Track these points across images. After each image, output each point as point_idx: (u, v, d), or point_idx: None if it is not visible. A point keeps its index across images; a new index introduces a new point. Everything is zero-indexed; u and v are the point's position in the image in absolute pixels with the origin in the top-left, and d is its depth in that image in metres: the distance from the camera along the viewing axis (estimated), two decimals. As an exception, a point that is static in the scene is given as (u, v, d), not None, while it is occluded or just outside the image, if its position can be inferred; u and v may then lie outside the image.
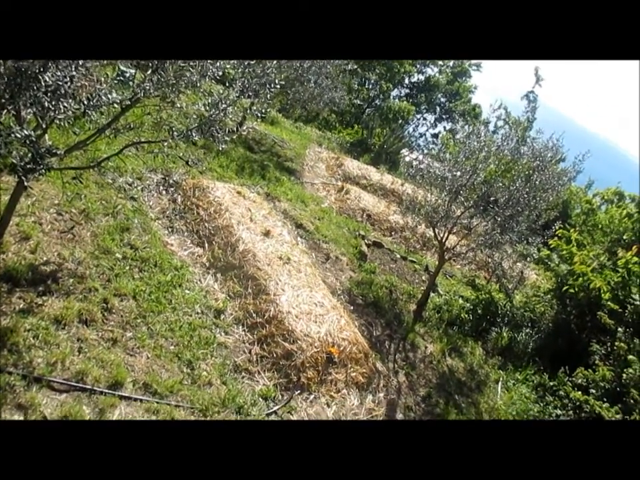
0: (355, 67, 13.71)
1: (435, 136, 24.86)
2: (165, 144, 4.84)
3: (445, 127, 24.91)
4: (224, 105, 4.16)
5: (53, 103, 3.72)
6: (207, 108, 4.27)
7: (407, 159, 19.44)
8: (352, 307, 8.17)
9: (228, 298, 6.73)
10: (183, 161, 8.31)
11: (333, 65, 12.28)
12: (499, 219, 8.23)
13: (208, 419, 5.06)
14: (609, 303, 8.03)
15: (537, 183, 7.98)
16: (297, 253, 7.97)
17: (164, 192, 8.09)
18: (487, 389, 7.98)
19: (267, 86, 4.49)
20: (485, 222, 8.51)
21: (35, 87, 3.63)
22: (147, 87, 4.13)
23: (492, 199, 8.16)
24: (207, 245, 7.42)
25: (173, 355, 5.58)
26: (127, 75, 8.70)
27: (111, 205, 7.04)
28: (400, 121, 22.54)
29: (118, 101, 4.05)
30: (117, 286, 5.87)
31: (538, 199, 8.22)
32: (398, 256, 10.97)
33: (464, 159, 8.64)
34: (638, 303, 7.86)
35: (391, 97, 23.45)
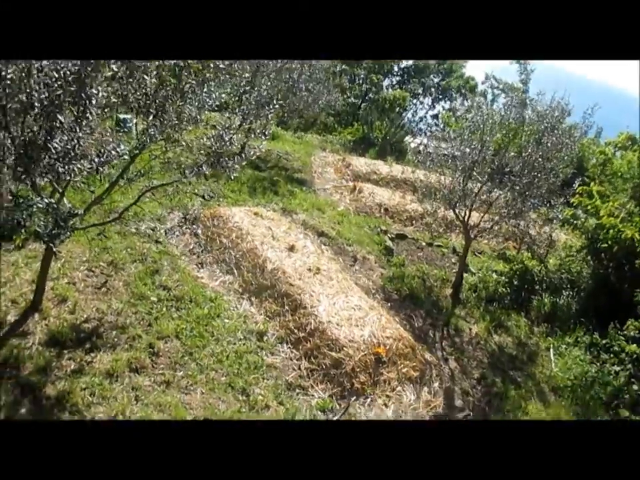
0: (344, 66, 13.72)
1: (435, 117, 24.66)
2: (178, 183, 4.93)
3: (443, 107, 24.71)
4: (229, 135, 4.22)
5: (67, 167, 3.82)
6: (213, 141, 4.34)
7: (412, 145, 19.41)
8: (389, 304, 8.17)
9: (267, 319, 6.79)
10: (198, 196, 8.42)
11: (322, 69, 12.31)
12: (517, 188, 8.15)
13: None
14: (645, 249, 7.89)
15: (549, 144, 7.89)
16: (324, 262, 8.00)
17: (185, 228, 8.21)
18: (540, 358, 7.89)
19: (266, 107, 4.55)
20: (503, 193, 8.43)
21: (47, 156, 3.72)
22: (152, 133, 4.22)
23: (507, 169, 8.09)
24: (235, 271, 7.50)
25: (226, 385, 5.64)
26: (127, 123, 8.88)
27: (136, 251, 7.17)
28: (397, 110, 22.47)
29: (127, 152, 4.14)
30: (158, 329, 5.97)
31: (553, 160, 8.14)
32: (423, 243, 10.93)
33: (470, 135, 8.59)
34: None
35: (384, 88, 23.37)
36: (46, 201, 3.87)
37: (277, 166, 12.80)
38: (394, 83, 24.72)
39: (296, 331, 6.58)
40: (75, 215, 4.56)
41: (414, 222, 12.10)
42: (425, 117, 24.89)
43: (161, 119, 4.34)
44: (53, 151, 3.64)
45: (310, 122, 19.87)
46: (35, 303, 5.59)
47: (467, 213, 8.64)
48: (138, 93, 4.47)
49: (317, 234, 9.48)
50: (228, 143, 4.32)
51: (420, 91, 24.55)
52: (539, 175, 8.06)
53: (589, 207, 8.90)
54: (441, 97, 25.14)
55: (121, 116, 9.33)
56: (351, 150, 16.52)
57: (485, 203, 8.67)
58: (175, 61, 4.52)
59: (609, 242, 8.40)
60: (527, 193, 8.07)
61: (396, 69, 24.58)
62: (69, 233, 4.61)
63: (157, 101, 4.37)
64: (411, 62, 24.52)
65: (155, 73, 4.25)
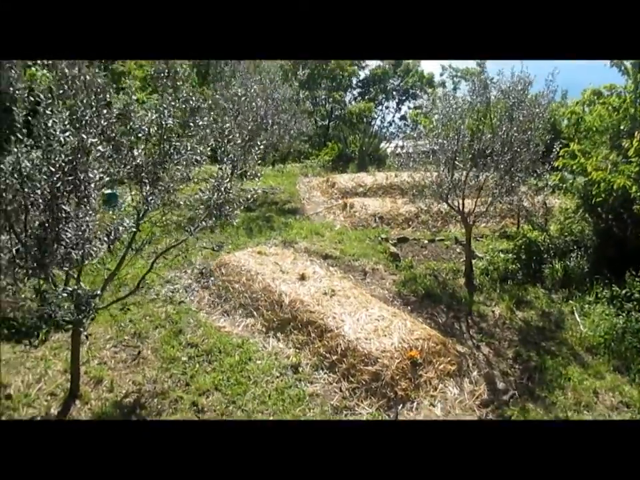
0: (306, 92, 14.04)
1: (403, 118, 25.08)
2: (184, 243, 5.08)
3: (408, 107, 25.15)
4: (225, 185, 4.39)
5: (81, 253, 3.96)
6: (210, 193, 4.49)
7: (389, 150, 19.69)
8: (409, 307, 8.27)
9: (297, 351, 6.87)
10: (206, 249, 8.59)
11: (286, 100, 12.57)
12: (502, 166, 8.35)
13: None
14: (638, 194, 8.04)
15: (521, 118, 8.11)
16: (337, 282, 8.12)
17: (196, 284, 8.34)
18: (567, 323, 7.97)
19: (252, 150, 4.73)
20: (490, 174, 8.61)
21: (61, 246, 3.87)
22: (152, 200, 4.37)
23: (488, 151, 8.29)
24: (255, 312, 7.60)
25: (276, 424, 5.70)
26: (113, 197, 9.06)
27: (155, 317, 7.30)
28: (365, 120, 22.86)
29: (134, 225, 4.29)
30: (196, 386, 6.05)
31: (528, 131, 8.35)
32: (425, 241, 11.09)
33: (443, 127, 8.81)
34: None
35: (347, 103, 23.78)
36: (69, 289, 4.00)
37: (266, 202, 13.00)
38: (356, 95, 25.17)
39: (328, 355, 6.66)
40: (95, 296, 4.67)
41: (410, 223, 12.28)
42: (393, 120, 25.32)
43: (156, 185, 4.50)
44: (68, 241, 3.77)
45: (285, 153, 20.16)
46: (73, 390, 5.68)
47: (460, 201, 8.81)
48: (128, 167, 4.64)
49: (322, 257, 9.62)
50: (225, 192, 4.49)
51: (382, 97, 24.99)
52: (519, 149, 8.26)
53: (575, 167, 9.08)
54: (404, 97, 25.61)
55: (105, 191, 9.52)
56: (332, 169, 16.79)
57: (475, 188, 8.85)
58: (154, 127, 4.70)
59: (603, 195, 8.56)
60: (512, 169, 8.26)
61: (355, 81, 25.06)
62: (93, 314, 4.72)
63: (148, 169, 4.54)
64: (367, 71, 25.04)
65: (142, 146, 4.43)
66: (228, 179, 4.41)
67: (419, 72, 24.54)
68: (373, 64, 24.88)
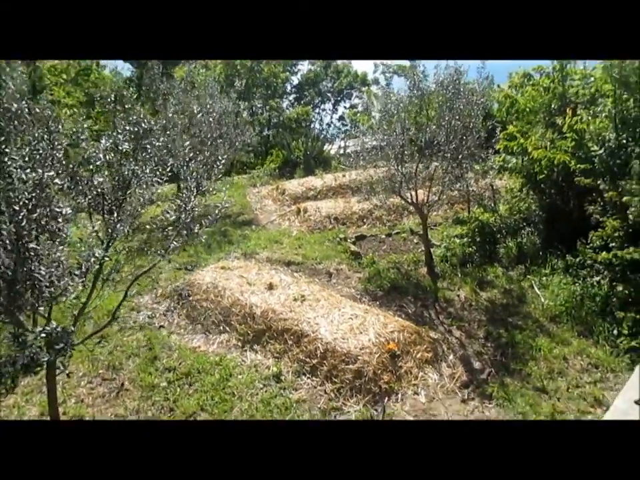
0: (245, 103, 14.01)
1: (342, 118, 25.38)
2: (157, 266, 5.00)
3: (345, 107, 25.50)
4: (191, 204, 4.36)
5: (54, 290, 3.85)
6: (177, 213, 4.46)
7: (332, 152, 19.90)
8: (378, 302, 8.41)
9: (276, 360, 6.87)
10: (179, 269, 8.47)
11: (227, 114, 12.51)
12: (448, 155, 8.63)
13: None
14: (578, 166, 8.48)
15: (461, 107, 8.41)
16: (305, 287, 8.17)
17: (163, 306, 8.20)
18: (528, 297, 8.32)
19: (214, 165, 4.72)
20: (439, 164, 8.89)
21: (33, 286, 3.75)
22: (120, 227, 4.30)
23: (435, 142, 8.55)
24: (228, 328, 7.54)
25: (267, 435, 5.69)
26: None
27: (127, 346, 7.14)
28: (304, 124, 23.02)
29: (106, 255, 4.20)
30: (182, 410, 5.97)
31: (467, 119, 8.66)
32: (383, 236, 11.32)
33: (386, 123, 9.03)
34: (600, 151, 8.30)
35: (285, 109, 23.88)
36: (47, 329, 3.87)
37: (219, 216, 12.87)
38: (292, 101, 25.30)
39: (308, 359, 6.70)
40: (70, 332, 4.54)
41: (365, 220, 12.49)
42: (332, 121, 25.58)
43: (122, 212, 4.43)
44: (41, 279, 3.66)
45: (228, 165, 20.02)
46: (54, 433, 5.47)
47: (413, 193, 9.04)
48: (89, 197, 4.54)
49: (285, 264, 9.66)
50: (191, 211, 4.46)
51: (318, 100, 25.22)
52: (463, 137, 8.56)
53: (515, 148, 9.48)
54: (339, 98, 25.92)
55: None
56: (279, 177, 16.82)
57: (426, 179, 9.10)
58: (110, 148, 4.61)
59: (545, 172, 8.99)
60: (458, 156, 8.55)
61: (289, 87, 25.19)
62: (69, 351, 4.58)
63: (113, 196, 4.46)
64: (299, 76, 25.23)
65: (100, 174, 4.34)
66: (194, 197, 4.39)
67: (352, 72, 24.90)
68: (304, 68, 25.11)
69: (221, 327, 7.60)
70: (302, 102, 24.69)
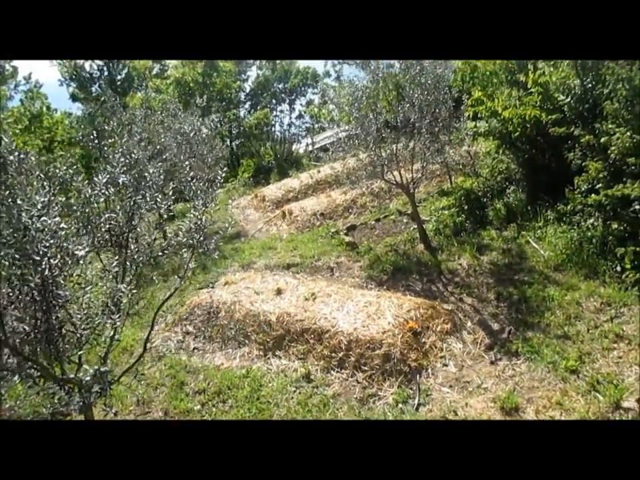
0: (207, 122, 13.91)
1: (300, 116, 25.44)
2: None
3: (301, 104, 25.58)
4: (202, 225, 4.37)
5: (90, 331, 3.83)
6: (190, 234, 4.46)
7: (301, 151, 19.94)
8: (385, 286, 8.51)
9: (302, 361, 6.91)
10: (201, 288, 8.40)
11: (194, 130, 12.45)
12: (424, 130, 8.77)
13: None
14: (549, 117, 8.69)
15: (429, 82, 8.55)
16: (312, 285, 8.22)
17: (178, 332, 8.16)
18: (528, 252, 8.50)
19: (216, 180, 4.74)
20: (416, 143, 9.02)
21: (70, 332, 3.73)
22: (138, 258, 4.30)
23: (410, 120, 8.67)
24: (246, 340, 7.55)
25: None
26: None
27: (151, 378, 7.09)
28: (265, 129, 23.03)
29: (133, 289, 4.19)
30: (223, 428, 5.96)
31: (434, 92, 8.80)
32: (372, 222, 11.41)
33: (356, 111, 9.11)
34: (566, 99, 8.53)
35: (244, 118, 23.84)
36: (91, 370, 3.86)
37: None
38: (248, 108, 25.27)
39: (333, 354, 6.76)
40: (106, 372, 4.52)
41: (350, 210, 12.60)
42: (291, 121, 25.62)
43: (133, 263, 4.43)
44: (78, 322, 3.64)
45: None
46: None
47: (397, 174, 9.15)
48: (98, 235, 4.52)
49: (285, 268, 9.69)
50: (202, 232, 4.47)
51: (274, 103, 25.24)
52: (435, 110, 8.71)
53: (484, 112, 9.65)
54: (293, 97, 25.96)
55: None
56: (255, 184, 16.82)
57: (407, 158, 9.22)
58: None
59: (519, 129, 9.18)
60: (435, 129, 8.69)
61: (243, 96, 25.15)
62: (108, 391, 4.56)
63: (120, 230, 4.45)
64: (250, 82, 25.22)
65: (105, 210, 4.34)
66: (204, 216, 4.40)
67: (301, 70, 24.97)
68: (253, 74, 25.11)
69: (239, 341, 7.60)
70: (258, 107, 24.70)
